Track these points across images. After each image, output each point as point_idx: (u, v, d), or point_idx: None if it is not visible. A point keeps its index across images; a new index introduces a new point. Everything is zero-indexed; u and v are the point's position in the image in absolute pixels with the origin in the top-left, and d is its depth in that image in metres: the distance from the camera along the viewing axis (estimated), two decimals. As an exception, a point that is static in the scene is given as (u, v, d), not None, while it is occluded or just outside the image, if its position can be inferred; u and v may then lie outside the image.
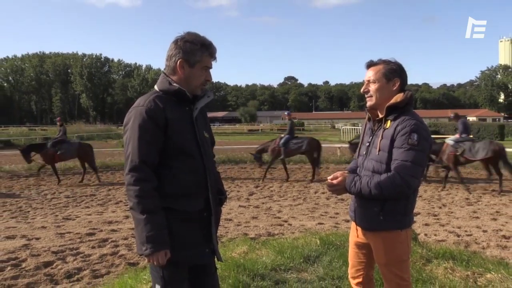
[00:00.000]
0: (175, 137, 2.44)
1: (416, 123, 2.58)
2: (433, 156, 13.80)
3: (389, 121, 2.68)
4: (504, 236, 7.70)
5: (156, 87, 2.55)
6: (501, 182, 12.56)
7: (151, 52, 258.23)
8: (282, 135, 15.14)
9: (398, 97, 2.67)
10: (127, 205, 10.50)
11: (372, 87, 2.75)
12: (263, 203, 11.20)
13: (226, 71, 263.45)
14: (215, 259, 2.71)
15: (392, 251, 2.69)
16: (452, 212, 9.84)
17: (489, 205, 10.58)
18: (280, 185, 14.18)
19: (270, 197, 12.10)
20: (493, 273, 4.23)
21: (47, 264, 6.44)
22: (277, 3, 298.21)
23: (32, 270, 6.21)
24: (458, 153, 12.99)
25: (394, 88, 2.72)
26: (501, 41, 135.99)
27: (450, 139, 13.91)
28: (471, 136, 14.19)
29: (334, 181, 2.76)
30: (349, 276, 3.08)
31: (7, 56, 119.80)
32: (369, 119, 2.88)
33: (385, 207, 2.63)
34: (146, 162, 2.37)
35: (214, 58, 2.58)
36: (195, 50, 2.49)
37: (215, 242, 2.62)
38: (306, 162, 19.74)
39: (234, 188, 13.37)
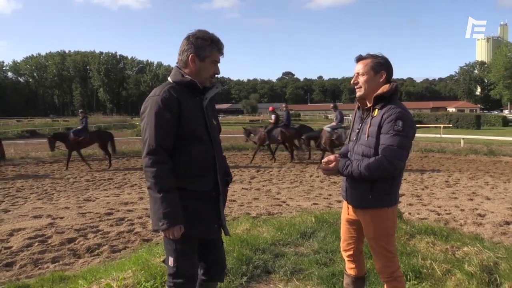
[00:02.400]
0: (187, 123, 2.44)
1: (401, 111, 2.58)
2: (312, 142, 15.27)
3: (376, 109, 2.68)
4: (479, 215, 7.73)
5: (170, 79, 2.55)
6: None
7: (161, 50, 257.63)
8: None
9: (385, 88, 2.67)
10: (141, 187, 10.62)
11: (361, 79, 2.74)
12: (263, 186, 11.23)
13: (229, 67, 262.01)
14: (222, 234, 2.73)
15: (379, 226, 2.70)
16: (433, 193, 9.86)
17: (466, 187, 10.60)
18: (279, 169, 14.20)
19: (269, 180, 12.12)
20: (470, 246, 4.25)
21: (71, 240, 6.49)
22: (274, 5, 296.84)
23: (57, 246, 6.26)
24: (333, 138, 14.16)
25: (381, 80, 2.72)
26: (478, 40, 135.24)
27: (327, 126, 14.85)
28: (344, 124, 15.34)
29: (329, 165, 2.77)
30: (341, 249, 3.10)
31: (32, 55, 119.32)
32: (358, 108, 2.88)
33: (374, 187, 2.64)
34: (162, 146, 2.37)
35: (222, 53, 2.57)
36: (205, 46, 2.49)
37: (223, 219, 2.64)
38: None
39: (237, 173, 13.38)
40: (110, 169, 14.72)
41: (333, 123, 14.89)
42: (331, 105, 16.77)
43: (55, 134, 16.11)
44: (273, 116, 16.81)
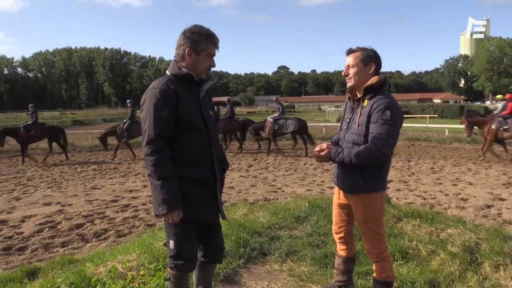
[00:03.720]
0: (185, 114, 2.42)
1: (389, 102, 2.56)
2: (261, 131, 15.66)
3: (366, 100, 2.66)
4: (462, 199, 7.77)
5: (168, 72, 2.52)
6: (306, 148, 14.56)
7: (162, 46, 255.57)
8: (125, 120, 14.95)
9: (374, 79, 2.65)
10: (145, 176, 10.60)
11: (352, 71, 2.72)
12: (260, 173, 11.24)
13: (227, 62, 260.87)
14: (220, 218, 2.72)
15: (369, 210, 2.70)
16: (419, 180, 9.90)
17: (450, 173, 10.65)
18: (275, 158, 14.20)
19: (266, 168, 12.13)
20: (453, 228, 4.25)
21: (79, 226, 6.50)
22: (268, 2, 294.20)
23: (66, 231, 6.27)
24: (275, 128, 14.52)
25: (370, 72, 2.69)
26: (462, 34, 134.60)
27: (270, 117, 15.22)
28: (286, 115, 15.71)
29: (322, 153, 2.76)
30: (332, 232, 3.11)
31: (40, 51, 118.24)
32: (349, 99, 2.86)
33: (363, 173, 2.63)
34: (160, 136, 2.36)
35: (217, 47, 2.54)
36: (200, 40, 2.46)
37: (220, 204, 2.63)
38: (290, 139, 19.79)
39: (235, 161, 13.38)
40: (115, 159, 14.64)
41: (276, 114, 15.18)
42: (274, 98, 17.54)
43: (5, 129, 15.34)
44: None
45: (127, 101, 16.21)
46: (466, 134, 14.22)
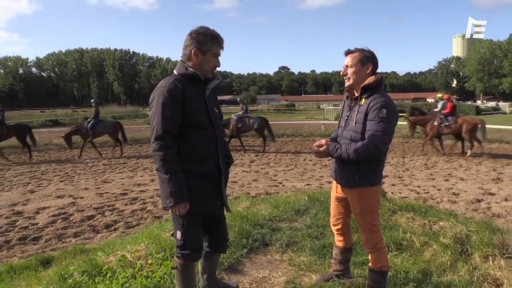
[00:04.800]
0: (191, 112, 2.42)
1: (385, 100, 2.56)
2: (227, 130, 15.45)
3: (363, 98, 2.66)
4: (454, 193, 7.76)
5: (175, 72, 2.52)
6: (264, 144, 15.06)
7: (169, 47, 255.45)
8: (89, 120, 14.26)
9: (371, 79, 2.64)
10: (152, 170, 10.63)
11: (350, 71, 2.72)
12: (262, 168, 11.24)
13: (230, 62, 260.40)
14: (224, 211, 2.73)
15: (365, 203, 2.71)
16: (413, 175, 9.88)
17: (443, 169, 10.62)
18: (276, 154, 14.20)
19: (267, 164, 12.13)
20: (445, 221, 4.26)
21: (90, 218, 6.52)
22: (269, 5, 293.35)
23: (78, 222, 6.29)
24: (239, 126, 14.75)
25: (368, 72, 2.69)
26: (454, 37, 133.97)
27: (234, 115, 15.35)
28: (249, 114, 15.74)
29: (321, 149, 2.77)
30: (330, 224, 3.12)
31: (53, 52, 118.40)
32: (347, 97, 2.86)
33: (360, 168, 2.63)
34: (168, 132, 2.36)
35: (222, 47, 2.54)
36: (206, 41, 2.45)
37: (224, 197, 2.64)
38: (290, 136, 19.76)
39: (238, 157, 13.37)
40: (124, 154, 14.59)
41: (239, 113, 15.23)
42: (238, 98, 17.73)
43: None
44: None
45: (92, 101, 15.42)
46: (410, 133, 15.13)
